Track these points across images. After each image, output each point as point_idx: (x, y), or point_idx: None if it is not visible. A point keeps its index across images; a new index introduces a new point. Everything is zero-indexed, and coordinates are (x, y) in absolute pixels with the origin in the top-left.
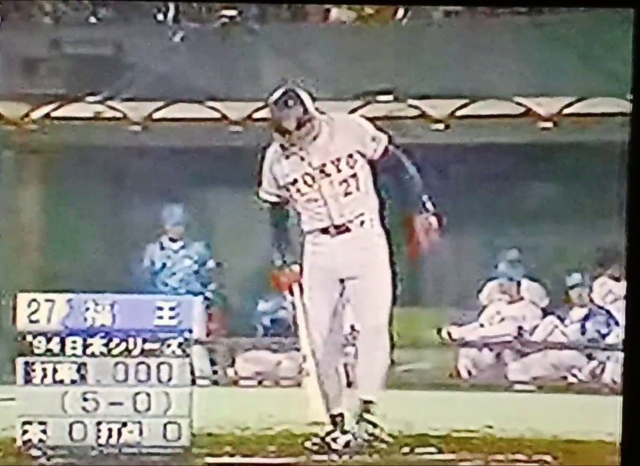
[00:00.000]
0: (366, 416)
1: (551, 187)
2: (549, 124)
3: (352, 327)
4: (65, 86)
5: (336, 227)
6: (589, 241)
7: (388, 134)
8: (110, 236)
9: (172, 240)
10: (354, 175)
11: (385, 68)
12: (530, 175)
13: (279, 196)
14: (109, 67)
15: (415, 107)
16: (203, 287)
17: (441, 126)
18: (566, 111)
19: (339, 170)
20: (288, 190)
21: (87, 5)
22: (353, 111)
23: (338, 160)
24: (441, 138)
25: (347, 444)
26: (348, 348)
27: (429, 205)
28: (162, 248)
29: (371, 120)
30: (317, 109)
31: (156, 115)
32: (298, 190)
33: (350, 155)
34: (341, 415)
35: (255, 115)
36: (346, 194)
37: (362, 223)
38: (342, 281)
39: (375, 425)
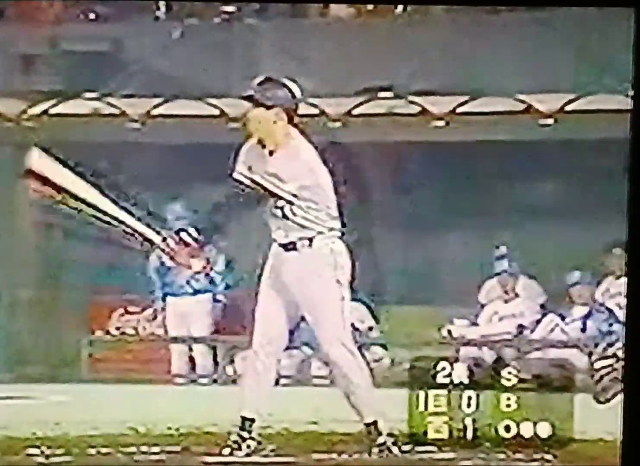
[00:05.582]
0: (379, 440)
1: (552, 184)
2: (550, 121)
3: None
4: (64, 83)
5: (282, 245)
6: (589, 238)
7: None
8: (108, 232)
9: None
10: (290, 202)
11: (385, 65)
12: (530, 172)
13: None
14: (108, 64)
15: (416, 104)
16: (210, 285)
17: (442, 123)
18: (567, 108)
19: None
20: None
21: (85, 2)
22: (353, 108)
23: (280, 178)
24: (442, 135)
25: None
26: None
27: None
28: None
29: (372, 116)
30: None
31: (155, 112)
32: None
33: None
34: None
35: None
36: (284, 217)
37: (310, 244)
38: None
39: (390, 449)
